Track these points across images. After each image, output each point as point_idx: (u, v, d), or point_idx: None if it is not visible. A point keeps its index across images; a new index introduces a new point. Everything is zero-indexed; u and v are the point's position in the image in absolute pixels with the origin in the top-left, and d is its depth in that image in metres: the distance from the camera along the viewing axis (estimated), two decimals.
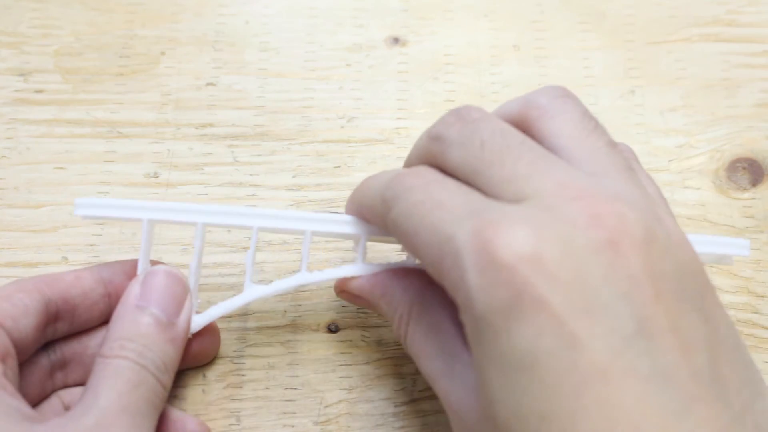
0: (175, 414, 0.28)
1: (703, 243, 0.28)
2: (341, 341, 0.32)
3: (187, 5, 0.39)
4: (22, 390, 0.27)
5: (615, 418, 0.20)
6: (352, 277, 0.29)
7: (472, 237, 0.22)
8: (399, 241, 0.26)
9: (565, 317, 0.20)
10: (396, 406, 0.31)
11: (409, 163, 0.28)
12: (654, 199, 0.24)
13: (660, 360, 0.20)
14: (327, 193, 0.35)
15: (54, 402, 0.28)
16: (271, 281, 0.29)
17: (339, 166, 0.35)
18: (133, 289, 0.27)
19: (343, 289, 0.29)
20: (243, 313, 0.32)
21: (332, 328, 0.32)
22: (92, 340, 0.28)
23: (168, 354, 0.27)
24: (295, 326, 0.32)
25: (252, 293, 0.29)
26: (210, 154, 0.35)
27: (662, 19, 0.39)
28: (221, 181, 0.35)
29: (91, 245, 0.33)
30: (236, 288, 0.32)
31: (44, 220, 0.33)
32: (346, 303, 0.32)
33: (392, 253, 0.33)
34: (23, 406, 0.25)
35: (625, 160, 0.24)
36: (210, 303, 0.32)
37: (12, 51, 0.37)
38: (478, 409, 0.23)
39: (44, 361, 0.28)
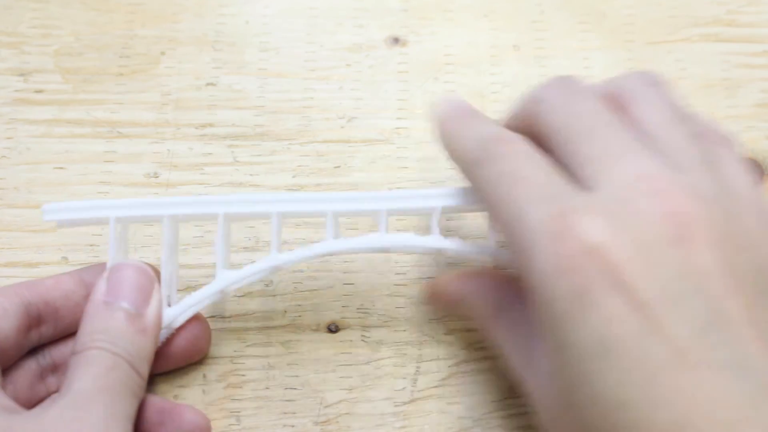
0: (170, 405, 0.28)
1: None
2: (341, 341, 0.32)
3: (187, 5, 0.39)
4: (12, 394, 0.27)
5: (691, 407, 0.20)
6: (444, 277, 0.29)
7: (546, 222, 0.22)
8: (480, 197, 0.26)
9: (639, 304, 0.21)
10: (396, 406, 0.31)
11: (506, 121, 0.28)
12: (737, 193, 0.24)
13: (737, 350, 0.20)
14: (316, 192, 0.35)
15: (45, 404, 0.28)
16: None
17: (339, 166, 0.35)
18: (100, 286, 0.28)
19: (434, 292, 0.29)
20: (243, 313, 0.32)
21: (332, 328, 0.32)
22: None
23: (140, 344, 0.27)
24: (295, 326, 0.32)
25: (224, 279, 0.28)
26: (210, 154, 0.35)
27: (662, 19, 0.39)
28: (221, 181, 0.35)
29: (91, 245, 0.33)
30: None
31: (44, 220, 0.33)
32: (346, 303, 0.32)
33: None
34: (3, 399, 0.25)
35: (712, 152, 0.24)
36: None
37: (12, 51, 0.37)
38: (556, 396, 0.23)
39: (33, 365, 0.28)
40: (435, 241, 0.28)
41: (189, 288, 0.32)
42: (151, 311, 0.28)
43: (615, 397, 0.21)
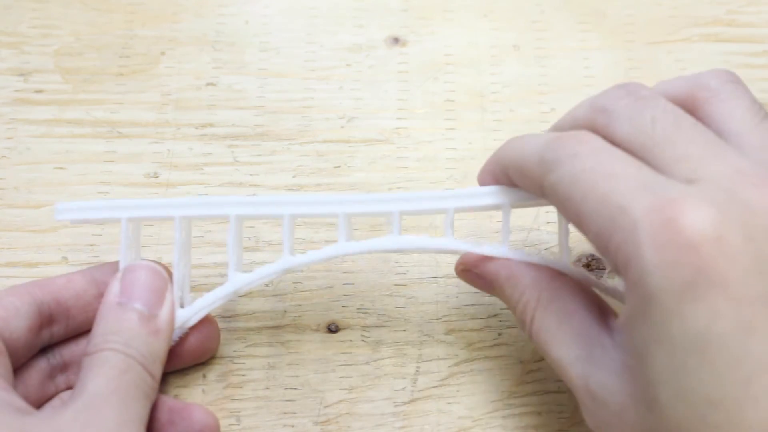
0: (180, 404, 0.28)
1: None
2: (341, 341, 0.32)
3: (187, 5, 0.39)
4: (23, 393, 0.27)
5: None
6: (481, 256, 0.28)
7: (651, 212, 0.21)
8: (556, 207, 0.25)
9: (742, 302, 0.20)
10: (396, 406, 0.31)
11: (561, 129, 0.27)
12: None
13: None
14: (327, 193, 0.35)
15: (55, 403, 0.28)
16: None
17: (339, 166, 0.35)
18: (113, 287, 0.28)
19: (465, 267, 0.29)
20: (243, 313, 0.32)
21: (332, 328, 0.32)
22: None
23: (153, 345, 0.27)
24: (295, 326, 0.32)
25: (236, 281, 0.28)
26: (210, 154, 0.35)
27: (662, 19, 0.39)
28: (221, 181, 0.35)
29: (91, 245, 0.33)
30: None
31: (44, 220, 0.33)
32: (346, 303, 0.32)
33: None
34: (16, 400, 0.25)
35: None
36: None
37: (12, 51, 0.37)
38: (627, 392, 0.22)
39: (43, 364, 0.28)
40: (448, 242, 0.28)
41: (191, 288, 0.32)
42: (164, 312, 0.28)
43: (707, 395, 0.20)
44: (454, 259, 0.33)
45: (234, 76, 0.37)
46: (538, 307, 0.26)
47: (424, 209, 0.28)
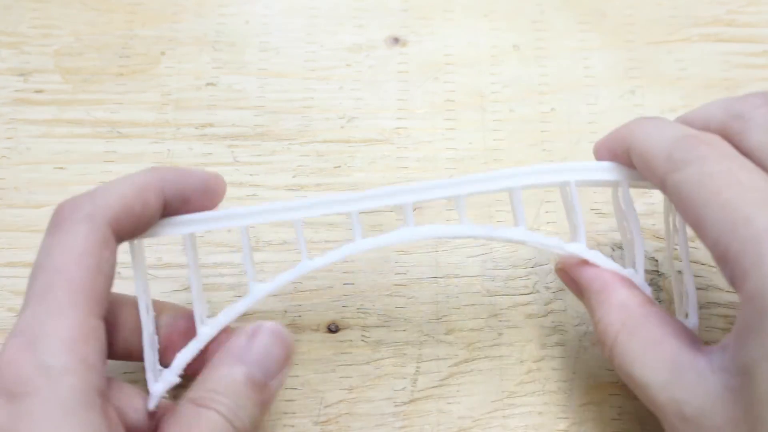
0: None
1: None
2: (341, 341, 0.32)
3: (187, 5, 0.39)
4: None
5: None
6: (582, 261, 0.28)
7: None
8: (674, 205, 0.25)
9: None
10: (396, 406, 0.31)
11: (691, 125, 0.27)
12: None
13: None
14: (327, 193, 0.35)
15: (132, 395, 0.27)
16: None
17: (339, 166, 0.35)
18: (239, 341, 0.26)
19: (563, 267, 0.29)
20: (243, 313, 0.32)
21: (332, 328, 0.32)
22: (128, 321, 0.28)
23: (255, 417, 0.26)
24: (295, 326, 0.32)
25: (257, 292, 0.27)
26: (210, 154, 0.35)
27: (662, 19, 0.39)
28: None
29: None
30: (236, 288, 0.32)
31: (44, 220, 0.33)
32: (346, 303, 0.32)
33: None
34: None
35: None
36: (210, 303, 0.32)
37: (12, 51, 0.37)
38: (727, 415, 0.22)
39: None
40: (465, 229, 0.28)
41: (187, 288, 0.32)
42: (275, 384, 0.27)
43: None
44: (454, 260, 0.33)
45: (234, 76, 0.37)
46: (622, 331, 0.26)
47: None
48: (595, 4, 0.40)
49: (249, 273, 0.28)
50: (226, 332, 0.28)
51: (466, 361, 0.31)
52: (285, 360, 0.27)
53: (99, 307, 0.25)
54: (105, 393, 0.24)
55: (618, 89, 0.37)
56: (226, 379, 0.26)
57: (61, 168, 0.35)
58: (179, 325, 0.28)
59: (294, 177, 0.35)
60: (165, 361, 0.27)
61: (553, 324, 0.32)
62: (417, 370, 0.31)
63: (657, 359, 0.25)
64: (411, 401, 0.31)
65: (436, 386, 0.31)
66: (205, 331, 0.27)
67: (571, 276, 0.29)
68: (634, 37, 0.39)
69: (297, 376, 0.31)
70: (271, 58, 0.38)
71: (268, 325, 0.27)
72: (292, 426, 0.30)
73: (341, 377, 0.31)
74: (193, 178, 0.28)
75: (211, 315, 0.28)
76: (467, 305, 0.33)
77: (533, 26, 0.39)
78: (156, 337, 0.28)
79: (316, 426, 0.30)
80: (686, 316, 0.28)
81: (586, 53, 0.38)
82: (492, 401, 0.31)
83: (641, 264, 0.28)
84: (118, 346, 0.27)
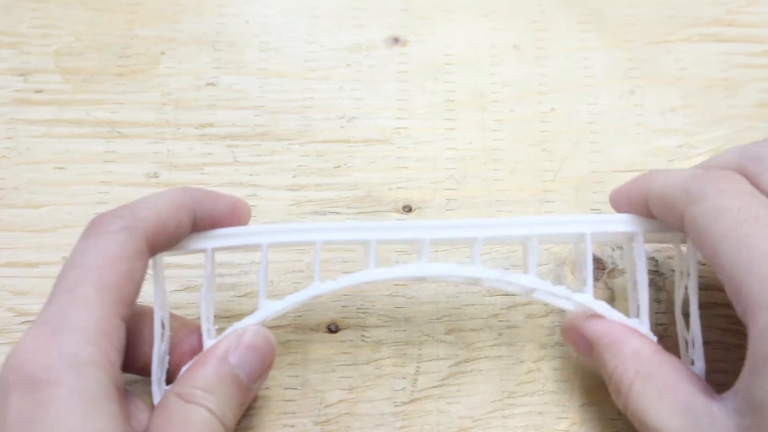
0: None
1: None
2: (341, 341, 0.32)
3: (187, 5, 0.39)
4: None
5: None
6: (592, 316, 0.28)
7: None
8: (692, 240, 0.26)
9: None
10: (396, 406, 0.31)
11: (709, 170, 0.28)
12: None
13: None
14: (327, 193, 0.35)
15: (136, 401, 0.27)
16: (283, 296, 0.28)
17: (339, 166, 0.35)
18: (228, 341, 0.27)
19: (571, 324, 0.29)
20: (243, 314, 0.32)
21: (332, 328, 0.32)
22: (148, 336, 0.28)
23: (236, 416, 0.27)
24: (295, 326, 0.32)
25: (267, 309, 0.28)
26: (210, 154, 0.35)
27: (662, 19, 0.39)
28: (221, 181, 0.35)
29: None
30: (236, 288, 0.32)
31: (44, 220, 0.33)
32: (346, 303, 0.32)
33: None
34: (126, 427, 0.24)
35: None
36: None
37: (12, 51, 0.37)
38: None
39: None
40: (477, 271, 0.28)
41: (188, 288, 0.32)
42: (257, 387, 0.28)
43: None
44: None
45: (234, 76, 0.37)
46: (636, 378, 0.27)
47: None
48: (595, 4, 0.40)
49: (261, 290, 0.28)
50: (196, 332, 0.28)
51: (466, 361, 0.31)
52: (268, 364, 0.28)
53: (125, 310, 0.25)
54: (122, 391, 0.24)
55: (618, 89, 0.37)
56: (213, 376, 0.26)
57: (61, 168, 0.35)
58: (192, 343, 0.28)
59: (294, 177, 0.35)
60: (173, 379, 0.27)
61: (553, 324, 0.32)
62: (417, 370, 0.31)
63: (671, 405, 0.25)
64: (411, 401, 0.31)
65: (436, 386, 0.31)
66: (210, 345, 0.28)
67: (579, 332, 0.29)
68: (634, 37, 0.39)
69: (297, 376, 0.31)
70: (271, 58, 0.38)
71: (254, 328, 0.27)
72: (292, 426, 0.30)
73: (341, 377, 0.31)
74: (222, 202, 0.28)
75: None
76: (467, 305, 0.33)
77: (533, 26, 0.39)
78: (167, 355, 0.28)
79: (316, 426, 0.30)
80: (692, 363, 0.29)
81: (586, 53, 0.38)
82: (492, 401, 0.31)
83: (646, 314, 0.28)
84: (137, 359, 0.27)
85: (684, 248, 0.29)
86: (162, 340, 0.27)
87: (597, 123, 0.36)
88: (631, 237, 0.29)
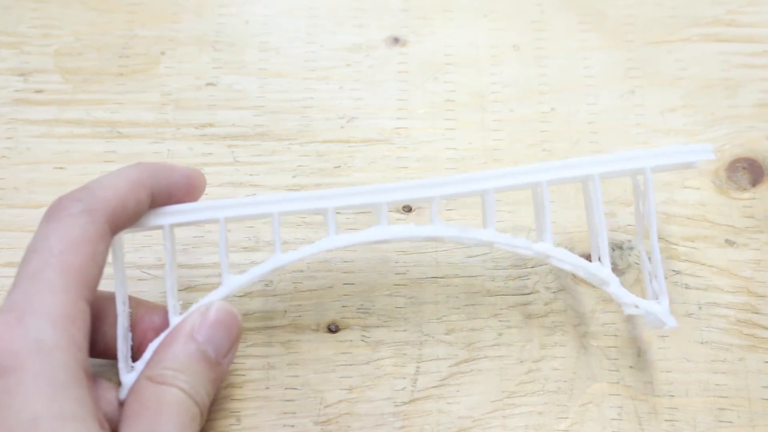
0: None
1: (668, 154, 0.29)
2: (341, 341, 0.32)
3: (187, 5, 0.39)
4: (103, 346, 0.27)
5: None
6: None
7: None
8: None
9: None
10: (396, 406, 0.31)
11: None
12: None
13: None
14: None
15: (107, 388, 0.27)
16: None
17: (339, 166, 0.35)
18: (194, 319, 0.27)
19: None
20: (243, 313, 0.32)
21: (332, 328, 0.32)
22: (108, 318, 0.28)
23: (210, 394, 0.27)
24: (295, 326, 0.32)
25: (230, 284, 0.28)
26: (210, 154, 0.35)
27: (662, 19, 0.39)
28: (221, 181, 0.35)
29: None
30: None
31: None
32: (346, 303, 0.32)
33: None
34: (98, 413, 0.24)
35: None
36: None
37: (12, 51, 0.37)
38: None
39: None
40: (435, 230, 0.28)
41: (189, 288, 0.32)
42: (227, 361, 0.28)
43: None
44: (454, 260, 0.33)
45: (234, 76, 0.37)
46: None
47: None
48: (595, 4, 0.40)
49: (223, 265, 0.28)
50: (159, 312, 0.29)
51: (466, 361, 0.31)
52: (235, 338, 0.28)
53: (89, 293, 0.25)
54: (90, 374, 0.24)
55: (618, 89, 0.37)
56: (182, 355, 0.26)
57: (61, 168, 0.35)
58: (154, 321, 0.28)
59: (294, 177, 0.35)
60: (138, 356, 0.28)
61: (553, 324, 0.32)
62: (417, 370, 0.31)
63: None
64: (411, 401, 0.31)
65: (436, 386, 0.31)
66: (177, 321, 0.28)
67: None
68: (634, 37, 0.39)
69: (297, 376, 0.31)
70: (271, 58, 0.38)
71: (218, 304, 0.28)
72: (292, 426, 0.30)
73: (341, 377, 0.31)
74: (177, 174, 0.28)
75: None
76: (467, 305, 0.33)
77: (533, 26, 0.39)
78: (130, 332, 0.28)
79: (316, 426, 0.30)
80: (656, 297, 0.29)
81: (586, 53, 0.38)
82: (492, 401, 0.31)
83: (606, 256, 0.29)
84: (99, 341, 0.28)
85: (640, 177, 0.30)
86: (124, 317, 0.28)
87: (597, 123, 0.36)
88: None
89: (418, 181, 0.29)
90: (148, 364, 0.26)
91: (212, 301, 0.28)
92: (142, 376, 0.26)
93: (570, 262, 0.29)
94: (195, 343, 0.26)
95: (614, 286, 0.29)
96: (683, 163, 0.30)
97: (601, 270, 0.29)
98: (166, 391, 0.25)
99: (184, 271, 0.32)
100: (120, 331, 0.27)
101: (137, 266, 0.33)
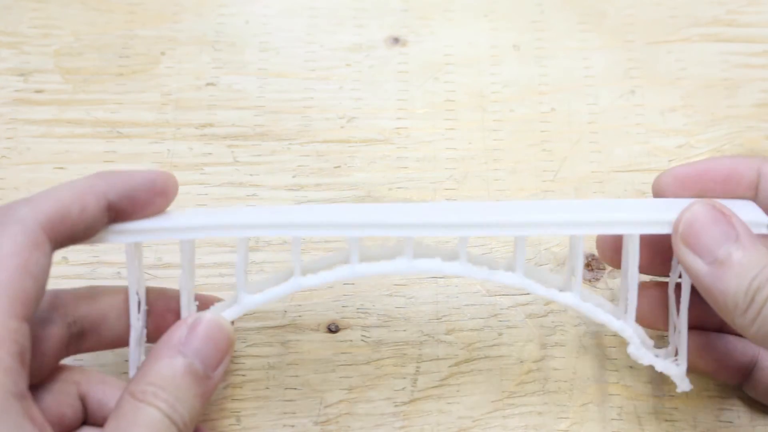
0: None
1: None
2: (341, 341, 0.32)
3: (187, 5, 0.39)
4: (37, 361, 0.26)
5: None
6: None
7: None
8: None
9: None
10: (396, 406, 0.31)
11: None
12: None
13: None
14: (327, 193, 0.35)
15: (70, 391, 0.27)
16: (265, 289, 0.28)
17: (339, 166, 0.35)
18: (179, 332, 0.26)
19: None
20: (243, 313, 0.32)
21: (332, 328, 0.32)
22: (112, 311, 0.28)
23: (195, 409, 0.26)
24: (295, 326, 0.32)
25: (246, 304, 0.28)
26: (210, 154, 0.35)
27: (662, 19, 0.39)
28: (221, 181, 0.35)
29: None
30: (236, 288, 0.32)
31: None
32: (346, 303, 0.32)
33: None
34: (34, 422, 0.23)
35: None
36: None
37: (12, 51, 0.37)
38: None
39: (62, 332, 0.27)
40: (463, 269, 0.27)
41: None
42: (217, 375, 0.27)
43: None
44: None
45: (234, 76, 0.37)
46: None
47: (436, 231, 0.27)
48: (595, 4, 0.40)
49: (239, 283, 0.28)
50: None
51: (466, 361, 0.31)
52: (225, 351, 0.27)
53: (23, 308, 0.24)
54: (25, 396, 0.23)
55: (618, 89, 0.37)
56: (166, 371, 0.25)
57: (61, 168, 0.35)
58: (170, 305, 0.28)
59: (294, 177, 0.35)
60: (155, 339, 0.27)
61: (553, 324, 0.32)
62: (417, 370, 0.31)
63: None
64: (411, 401, 0.31)
65: (436, 386, 0.31)
66: None
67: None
68: (634, 37, 0.39)
69: (297, 376, 0.31)
70: (271, 58, 0.38)
71: (208, 316, 0.27)
72: (292, 426, 0.30)
73: (341, 377, 0.31)
74: (137, 179, 0.27)
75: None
76: (467, 305, 0.33)
77: (533, 26, 0.39)
78: (144, 336, 0.28)
79: (316, 426, 0.30)
80: (676, 353, 0.29)
81: (586, 53, 0.38)
82: (492, 401, 0.31)
83: (633, 308, 0.28)
84: (103, 336, 0.28)
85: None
86: (137, 327, 0.28)
87: (597, 123, 0.36)
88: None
89: (451, 217, 0.27)
90: (134, 378, 0.26)
91: (202, 313, 0.27)
92: (126, 390, 0.25)
93: (597, 318, 0.28)
94: (181, 357, 0.26)
95: (633, 347, 0.28)
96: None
97: (625, 330, 0.28)
98: (143, 410, 0.25)
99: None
100: (133, 338, 0.27)
101: None
